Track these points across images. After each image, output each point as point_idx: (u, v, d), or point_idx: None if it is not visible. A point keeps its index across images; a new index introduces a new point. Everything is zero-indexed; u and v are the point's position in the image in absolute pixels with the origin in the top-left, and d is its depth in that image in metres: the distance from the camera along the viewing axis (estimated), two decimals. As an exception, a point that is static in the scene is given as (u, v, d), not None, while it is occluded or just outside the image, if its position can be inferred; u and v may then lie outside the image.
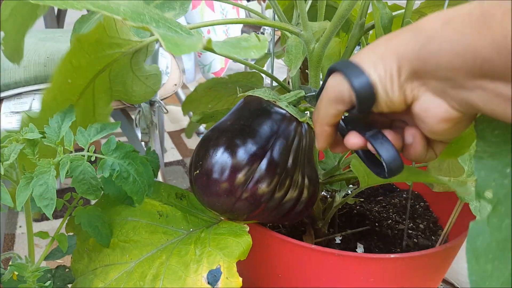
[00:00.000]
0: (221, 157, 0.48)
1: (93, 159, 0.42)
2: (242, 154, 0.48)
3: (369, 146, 0.37)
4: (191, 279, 0.43)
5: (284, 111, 0.52)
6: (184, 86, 1.99)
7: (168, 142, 1.66)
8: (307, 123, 0.54)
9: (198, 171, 0.49)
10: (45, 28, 1.35)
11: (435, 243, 0.74)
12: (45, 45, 0.84)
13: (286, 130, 0.51)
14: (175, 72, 0.98)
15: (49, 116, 0.47)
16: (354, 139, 0.37)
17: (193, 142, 1.65)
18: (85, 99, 0.52)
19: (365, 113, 0.35)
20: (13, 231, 1.11)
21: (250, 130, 0.50)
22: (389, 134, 0.37)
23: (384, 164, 0.35)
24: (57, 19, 1.32)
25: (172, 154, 1.58)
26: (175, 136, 1.72)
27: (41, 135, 0.41)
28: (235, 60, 0.57)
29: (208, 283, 0.43)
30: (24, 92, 0.77)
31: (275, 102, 0.53)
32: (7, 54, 0.58)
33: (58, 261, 0.67)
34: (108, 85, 0.53)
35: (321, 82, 0.51)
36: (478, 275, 0.27)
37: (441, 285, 1.03)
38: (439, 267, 0.62)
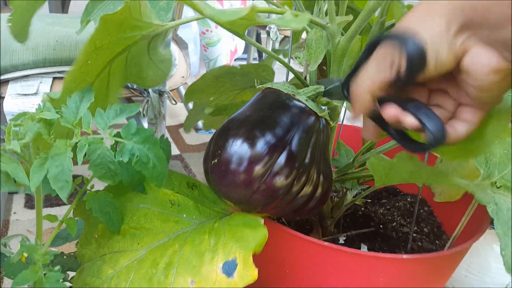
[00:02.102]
0: (240, 148, 0.47)
1: (112, 142, 0.41)
2: (262, 145, 0.47)
3: (408, 119, 0.36)
4: (206, 269, 0.43)
5: (303, 105, 0.51)
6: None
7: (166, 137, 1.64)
8: (325, 118, 0.53)
9: (216, 161, 0.48)
10: (50, 13, 1.33)
11: (439, 247, 0.74)
12: (54, 29, 0.82)
13: (305, 124, 0.50)
14: (182, 65, 0.97)
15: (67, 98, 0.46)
16: (391, 110, 0.36)
17: (191, 138, 1.64)
18: (100, 81, 0.51)
19: (412, 81, 0.34)
20: (8, 217, 1.09)
21: (270, 122, 0.49)
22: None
23: (430, 134, 0.34)
24: (62, 5, 1.30)
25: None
26: (173, 131, 1.70)
27: (58, 115, 0.40)
28: (258, 48, 0.56)
29: (224, 273, 0.42)
30: (31, 74, 0.75)
31: (294, 95, 0.52)
32: (13, 32, 0.57)
33: (53, 249, 0.65)
34: (124, 68, 0.52)
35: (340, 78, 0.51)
36: None
37: (438, 291, 1.03)
38: (447, 270, 0.62)
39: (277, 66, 1.99)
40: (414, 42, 0.32)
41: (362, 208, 0.82)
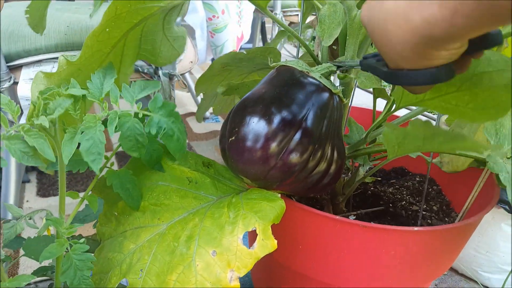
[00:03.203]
0: (257, 125, 0.48)
1: (140, 116, 0.42)
2: (278, 122, 0.48)
3: None
4: (226, 240, 0.44)
5: (318, 82, 0.52)
6: (190, 71, 1.99)
7: (173, 125, 1.66)
8: (339, 95, 0.54)
9: (233, 138, 0.49)
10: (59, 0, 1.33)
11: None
12: (64, 15, 0.83)
13: (319, 101, 0.51)
14: (191, 50, 0.98)
15: (82, 65, 0.47)
16: None
17: (198, 126, 1.65)
18: (114, 54, 0.52)
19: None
20: (21, 205, 1.11)
21: (286, 99, 0.50)
22: None
23: None
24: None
25: (177, 136, 1.57)
26: (180, 119, 1.72)
27: (85, 92, 0.41)
28: (271, 18, 0.56)
29: (245, 244, 0.43)
30: (44, 59, 0.76)
31: (308, 73, 0.53)
32: (31, 24, 0.58)
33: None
34: (138, 42, 0.53)
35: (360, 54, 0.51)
36: None
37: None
38: (458, 243, 0.63)
39: (282, 53, 2.00)
40: None
41: (372, 188, 0.83)
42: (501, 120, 0.56)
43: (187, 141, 1.55)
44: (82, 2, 1.03)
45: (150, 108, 0.43)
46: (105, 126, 0.40)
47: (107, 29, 0.45)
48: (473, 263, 1.00)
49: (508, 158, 0.53)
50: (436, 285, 1.00)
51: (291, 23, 1.54)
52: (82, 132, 0.39)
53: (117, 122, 0.40)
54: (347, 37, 0.54)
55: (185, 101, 1.83)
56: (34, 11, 0.56)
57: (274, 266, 0.72)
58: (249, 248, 0.43)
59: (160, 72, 0.77)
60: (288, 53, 2.18)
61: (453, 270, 1.04)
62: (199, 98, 1.59)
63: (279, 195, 0.49)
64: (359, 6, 0.53)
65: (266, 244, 0.43)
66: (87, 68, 0.48)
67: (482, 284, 1.01)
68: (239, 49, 1.30)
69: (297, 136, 0.49)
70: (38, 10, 0.56)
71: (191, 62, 0.93)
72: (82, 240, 0.46)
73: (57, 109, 0.38)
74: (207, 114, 1.67)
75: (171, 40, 0.58)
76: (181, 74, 0.85)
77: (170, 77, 0.79)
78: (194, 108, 1.76)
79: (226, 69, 0.74)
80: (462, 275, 1.02)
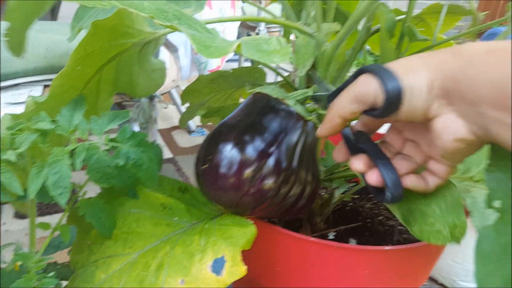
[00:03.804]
0: (230, 153, 0.49)
1: (108, 147, 0.43)
2: (251, 150, 0.49)
3: (372, 175, 0.39)
4: (195, 268, 0.44)
5: (292, 109, 0.53)
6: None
7: (159, 140, 1.66)
8: (313, 121, 0.55)
9: (207, 166, 0.50)
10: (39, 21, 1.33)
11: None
12: (43, 37, 0.84)
13: (293, 128, 0.52)
14: (173, 68, 0.98)
15: (54, 102, 0.47)
16: (359, 165, 0.40)
17: (184, 140, 1.66)
18: (89, 89, 0.53)
19: (384, 116, 0.37)
20: (-1, 227, 1.10)
21: (259, 127, 0.51)
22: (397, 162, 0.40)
23: (388, 194, 0.38)
24: (52, 12, 1.31)
25: (163, 152, 1.57)
26: (166, 134, 1.72)
27: (55, 125, 0.42)
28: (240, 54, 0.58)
29: (213, 271, 0.44)
30: (22, 83, 0.76)
31: (283, 99, 0.54)
32: (10, 47, 0.58)
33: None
34: (114, 75, 0.54)
35: (327, 84, 0.53)
36: (483, 274, 0.30)
37: (425, 281, 1.06)
38: (431, 259, 0.64)
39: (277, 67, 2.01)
40: (395, 82, 0.34)
41: (350, 203, 0.84)
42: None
43: (172, 156, 1.55)
44: (64, 23, 1.04)
45: (119, 138, 0.43)
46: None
47: (79, 67, 0.45)
48: (451, 273, 1.02)
49: (476, 181, 0.55)
50: (418, 297, 1.01)
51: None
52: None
53: (85, 155, 0.40)
54: (318, 69, 0.55)
55: (171, 115, 1.83)
56: (13, 34, 0.56)
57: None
58: (217, 275, 0.43)
59: (138, 94, 0.77)
60: (281, 68, 2.20)
61: (432, 280, 1.06)
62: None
63: (252, 222, 0.50)
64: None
65: (235, 271, 0.43)
66: (61, 105, 0.48)
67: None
68: (224, 64, 1.31)
69: (269, 163, 0.50)
70: (18, 33, 0.56)
71: (173, 80, 0.94)
72: (51, 274, 0.47)
73: (23, 144, 0.39)
74: (193, 127, 1.67)
75: (149, 72, 0.59)
76: (162, 94, 0.86)
77: (150, 97, 0.80)
78: (180, 122, 1.76)
79: (214, 82, 0.75)
80: (441, 284, 1.04)
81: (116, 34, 0.45)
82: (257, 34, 1.35)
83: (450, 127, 0.34)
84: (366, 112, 0.38)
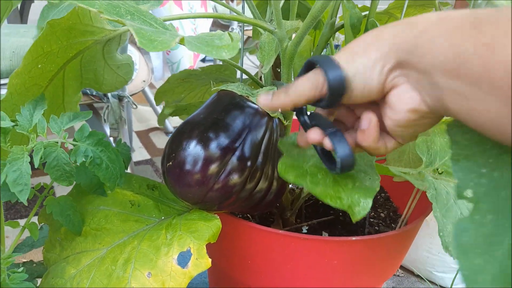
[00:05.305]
0: (194, 150, 0.49)
1: (66, 145, 0.43)
2: (215, 146, 0.50)
3: (327, 142, 0.40)
4: (161, 261, 0.45)
5: (256, 106, 0.54)
6: (151, 86, 1.99)
7: (136, 142, 1.65)
8: (278, 118, 0.56)
9: (171, 163, 0.51)
10: (8, 24, 1.32)
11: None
12: (10, 40, 0.83)
13: (257, 124, 0.53)
14: (143, 69, 0.99)
15: (16, 100, 0.47)
16: (314, 135, 0.40)
17: (161, 142, 1.65)
18: (54, 86, 0.53)
19: (333, 105, 0.38)
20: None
21: (223, 124, 0.51)
22: (350, 135, 0.40)
23: (338, 160, 0.39)
24: (21, 15, 1.29)
25: (140, 153, 1.57)
26: (144, 135, 1.71)
27: (14, 124, 0.42)
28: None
29: (179, 264, 0.45)
30: (-11, 86, 0.76)
31: (248, 97, 0.55)
32: None
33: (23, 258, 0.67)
34: (79, 72, 0.54)
35: (293, 79, 0.54)
36: (470, 270, 0.27)
37: (402, 272, 1.08)
38: (399, 249, 0.66)
39: (246, 65, 2.02)
40: (337, 72, 0.35)
41: (323, 198, 0.85)
42: (432, 137, 0.60)
43: (150, 157, 1.55)
44: (32, 25, 1.03)
45: (76, 137, 0.44)
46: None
47: (39, 65, 0.45)
48: (427, 264, 1.04)
49: (440, 173, 0.57)
50: (393, 287, 1.03)
51: (248, 37, 1.57)
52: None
53: (43, 152, 0.41)
54: (281, 66, 0.56)
55: (148, 116, 1.83)
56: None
57: (228, 280, 0.73)
58: (183, 267, 0.44)
59: (109, 94, 0.78)
60: (251, 63, 2.21)
61: (409, 271, 1.08)
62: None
63: (218, 216, 0.51)
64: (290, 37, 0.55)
65: (200, 263, 0.44)
66: (24, 103, 0.48)
67: (436, 284, 1.05)
68: (198, 64, 1.32)
69: (234, 159, 0.51)
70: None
71: (144, 81, 0.94)
72: (21, 268, 0.47)
73: (-16, 143, 0.39)
74: (171, 128, 1.67)
75: (114, 68, 0.59)
76: (131, 95, 0.86)
77: (120, 98, 0.80)
78: (156, 123, 1.76)
79: (186, 81, 0.75)
80: (418, 276, 1.06)
81: (75, 33, 0.46)
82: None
83: (404, 97, 0.34)
84: (314, 103, 0.39)
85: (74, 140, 0.44)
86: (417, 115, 0.34)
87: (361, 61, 0.35)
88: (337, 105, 0.38)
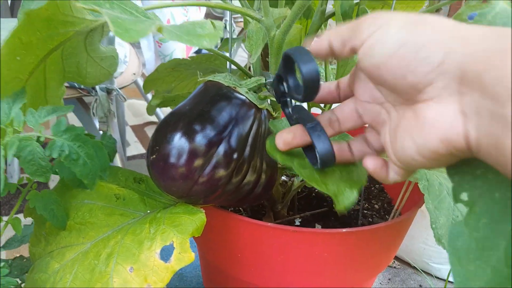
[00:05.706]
0: (178, 142, 0.48)
1: (42, 139, 0.42)
2: (200, 139, 0.48)
3: (307, 140, 0.39)
4: (144, 255, 0.44)
5: (243, 97, 0.52)
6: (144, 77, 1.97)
7: (131, 136, 1.64)
8: (266, 109, 0.55)
9: (155, 156, 0.49)
10: (-1, 19, 1.30)
11: (388, 221, 0.77)
12: (-3, 34, 0.82)
13: (244, 116, 0.51)
14: (134, 61, 0.97)
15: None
16: (297, 130, 0.40)
17: (157, 135, 1.65)
18: (35, 79, 0.51)
19: (310, 99, 0.37)
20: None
21: (209, 115, 0.50)
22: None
23: (317, 155, 0.37)
24: (11, 9, 1.28)
25: (135, 147, 1.56)
26: (139, 129, 1.70)
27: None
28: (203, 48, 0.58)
29: (161, 258, 0.44)
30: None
31: (235, 88, 0.53)
32: None
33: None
34: (60, 65, 0.52)
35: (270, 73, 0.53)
36: (462, 276, 0.27)
37: (398, 264, 1.07)
38: (391, 240, 0.65)
39: (239, 58, 2.00)
40: (311, 65, 0.34)
41: (316, 190, 0.84)
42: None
43: (145, 151, 1.54)
44: (7, 20, 1.02)
45: (52, 131, 0.43)
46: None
47: (18, 58, 0.44)
48: (423, 255, 1.03)
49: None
50: (389, 279, 1.03)
51: (242, 29, 1.56)
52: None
53: (18, 147, 0.40)
54: (269, 56, 0.55)
55: (143, 111, 1.82)
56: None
57: (219, 274, 0.73)
58: (166, 262, 0.43)
59: (97, 87, 0.76)
60: (242, 58, 2.19)
61: (405, 263, 1.07)
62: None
63: (203, 210, 0.50)
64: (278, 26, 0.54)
65: (183, 257, 0.43)
66: (4, 96, 0.47)
67: (433, 275, 1.04)
68: (194, 53, 1.30)
69: (219, 151, 0.49)
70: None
71: (134, 74, 0.93)
72: (3, 264, 0.46)
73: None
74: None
75: (98, 60, 0.58)
76: (121, 88, 0.85)
77: (108, 91, 0.79)
78: (152, 117, 1.75)
79: (176, 70, 0.73)
80: (414, 267, 1.06)
81: (54, 23, 0.44)
82: (225, 25, 1.34)
83: (445, 121, 0.26)
84: (292, 96, 0.38)
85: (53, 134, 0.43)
86: (447, 149, 0.27)
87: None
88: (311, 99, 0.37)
